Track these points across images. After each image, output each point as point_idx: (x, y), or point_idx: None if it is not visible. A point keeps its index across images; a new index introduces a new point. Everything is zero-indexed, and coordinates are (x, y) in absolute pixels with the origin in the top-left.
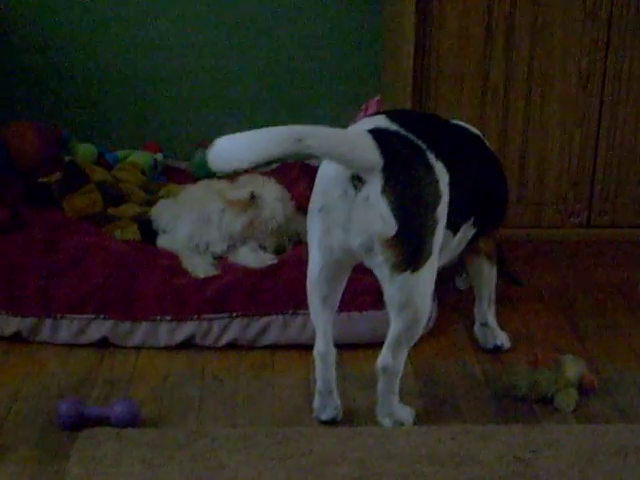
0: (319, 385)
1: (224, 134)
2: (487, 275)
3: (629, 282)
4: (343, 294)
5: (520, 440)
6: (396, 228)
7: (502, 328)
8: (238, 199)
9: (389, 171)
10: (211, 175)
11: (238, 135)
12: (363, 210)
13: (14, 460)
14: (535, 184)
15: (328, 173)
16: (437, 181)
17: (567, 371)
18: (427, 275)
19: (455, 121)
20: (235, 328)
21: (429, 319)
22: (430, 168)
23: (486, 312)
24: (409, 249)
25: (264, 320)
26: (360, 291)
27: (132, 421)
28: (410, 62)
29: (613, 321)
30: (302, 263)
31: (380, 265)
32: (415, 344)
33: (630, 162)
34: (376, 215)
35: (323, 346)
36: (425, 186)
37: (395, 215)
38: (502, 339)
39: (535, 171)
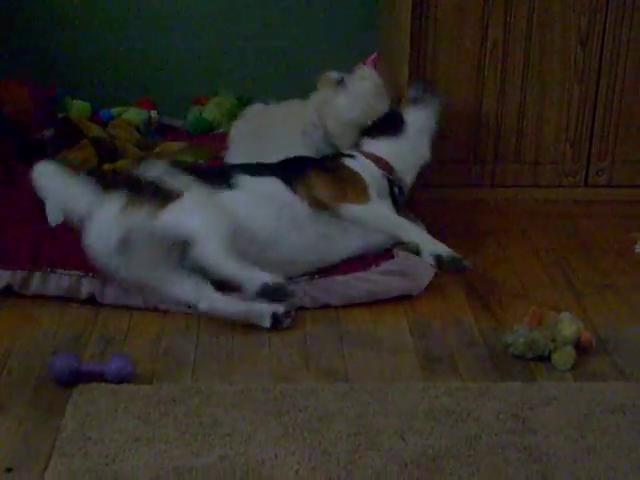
0: None
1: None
2: None
3: (626, 241)
4: None
5: (517, 397)
6: None
7: (499, 287)
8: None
9: None
10: (206, 132)
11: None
12: None
13: (9, 417)
14: (533, 143)
15: None
16: None
17: (564, 329)
18: None
19: None
20: None
21: (426, 277)
22: None
23: None
24: None
25: None
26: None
27: (127, 377)
28: (408, 19)
29: (610, 280)
30: None
31: None
32: (412, 304)
33: (628, 122)
34: None
35: None
36: None
37: None
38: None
39: (533, 130)
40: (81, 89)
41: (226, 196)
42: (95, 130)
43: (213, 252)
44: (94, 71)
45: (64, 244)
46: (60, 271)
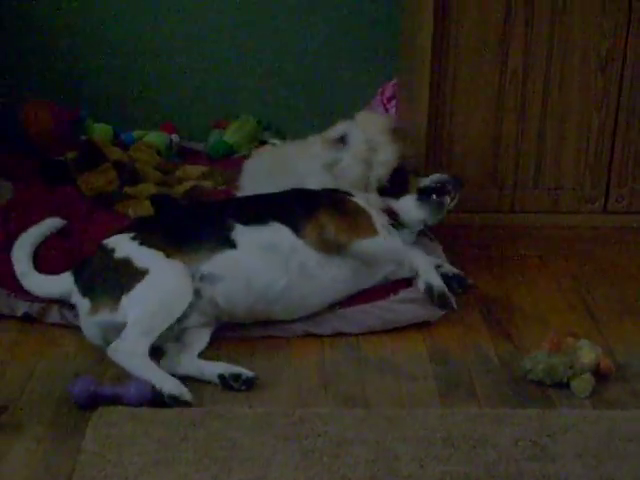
0: None
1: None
2: None
3: None
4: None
5: (536, 424)
6: None
7: (518, 313)
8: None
9: None
10: (227, 155)
11: None
12: None
13: (28, 438)
14: (552, 169)
15: None
16: None
17: (583, 356)
18: None
19: None
20: None
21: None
22: None
23: None
24: None
25: None
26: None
27: (146, 402)
28: (428, 45)
29: (629, 307)
30: None
31: None
32: (430, 330)
33: None
34: None
35: None
36: None
37: None
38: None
39: (552, 156)
40: (103, 112)
41: (227, 258)
42: (117, 153)
43: (130, 344)
44: (117, 94)
45: None
46: (76, 312)
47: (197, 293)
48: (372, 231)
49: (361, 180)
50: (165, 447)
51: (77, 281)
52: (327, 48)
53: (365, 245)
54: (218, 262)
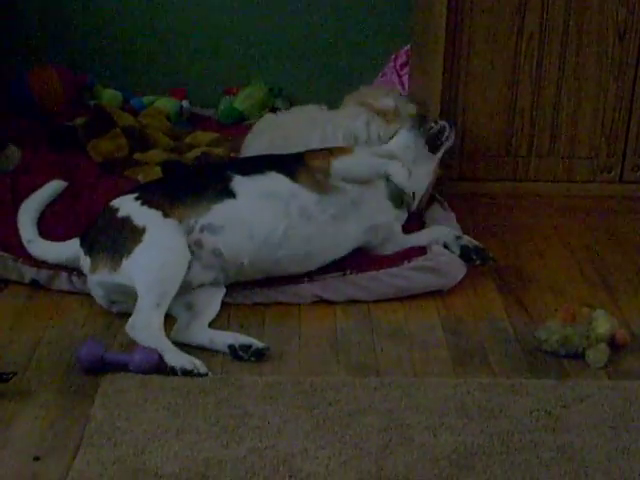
0: None
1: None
2: None
3: None
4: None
5: (550, 394)
6: None
7: (532, 282)
8: (387, 108)
9: None
10: (237, 122)
11: None
12: None
13: (37, 406)
14: (568, 138)
15: None
16: None
17: (598, 327)
18: None
19: None
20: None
21: (459, 274)
22: None
23: None
24: None
25: None
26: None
27: (151, 369)
28: (444, 10)
29: None
30: None
31: None
32: (444, 298)
33: None
34: None
35: None
36: None
37: None
38: None
39: (568, 125)
40: (112, 77)
41: (229, 207)
42: (126, 119)
43: (145, 317)
44: (126, 60)
45: None
46: (85, 277)
47: (199, 244)
48: (348, 151)
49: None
50: (174, 415)
51: (83, 242)
52: (338, 14)
53: (342, 163)
54: (218, 212)
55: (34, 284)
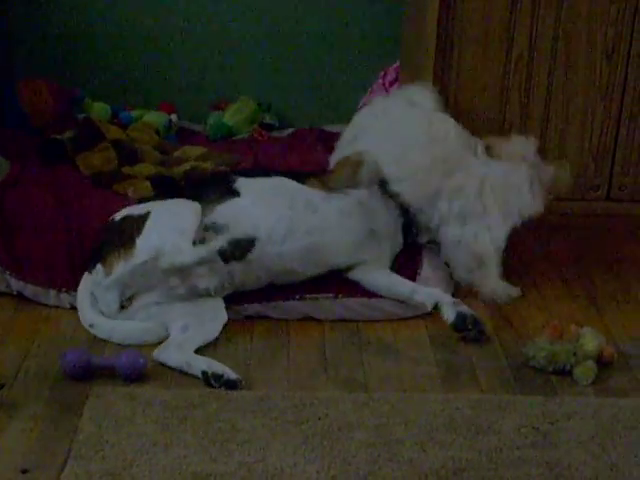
0: None
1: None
2: None
3: None
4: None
5: (538, 411)
6: None
7: (519, 299)
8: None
9: None
10: (226, 137)
11: None
12: None
13: (25, 418)
14: (555, 156)
15: None
16: None
17: (586, 344)
18: None
19: None
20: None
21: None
22: None
23: None
24: None
25: None
26: None
27: (138, 372)
28: (434, 28)
29: (632, 295)
30: None
31: None
32: (432, 315)
33: None
34: None
35: None
36: None
37: None
38: None
39: (556, 143)
40: (102, 91)
41: (231, 206)
42: (115, 132)
43: (176, 249)
44: (115, 74)
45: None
46: (74, 294)
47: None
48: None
49: None
50: (163, 428)
51: (90, 264)
52: (328, 30)
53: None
54: (222, 211)
55: (21, 295)
